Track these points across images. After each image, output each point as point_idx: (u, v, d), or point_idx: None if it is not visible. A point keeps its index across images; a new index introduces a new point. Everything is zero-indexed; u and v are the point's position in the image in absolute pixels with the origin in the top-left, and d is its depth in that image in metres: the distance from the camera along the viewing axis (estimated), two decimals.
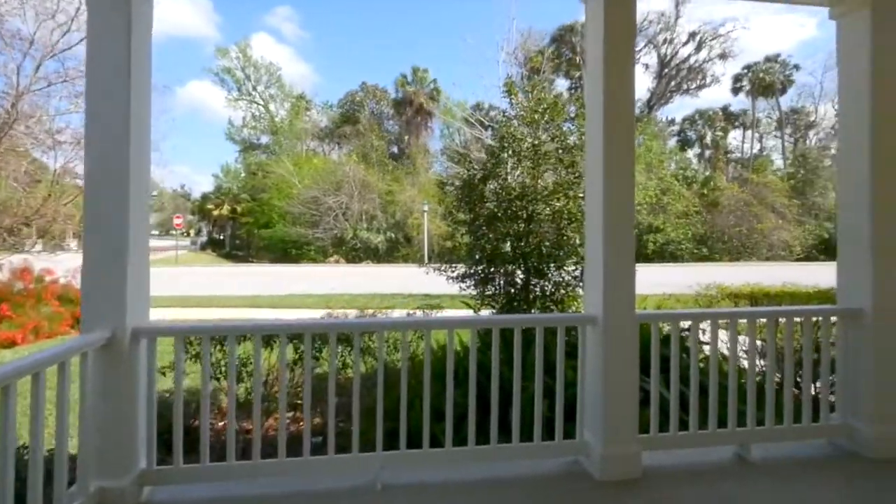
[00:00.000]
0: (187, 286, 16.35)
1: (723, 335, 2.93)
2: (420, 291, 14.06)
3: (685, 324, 3.38)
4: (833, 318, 2.99)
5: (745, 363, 2.93)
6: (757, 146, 43.66)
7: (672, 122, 43.93)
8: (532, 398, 2.62)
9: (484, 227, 5.29)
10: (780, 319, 3.05)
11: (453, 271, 5.50)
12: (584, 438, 2.60)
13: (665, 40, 40.08)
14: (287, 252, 32.10)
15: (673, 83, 41.33)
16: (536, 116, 5.55)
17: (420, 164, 36.79)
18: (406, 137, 41.19)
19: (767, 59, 42.10)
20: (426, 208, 28.38)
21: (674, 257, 28.40)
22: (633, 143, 2.60)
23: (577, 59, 34.86)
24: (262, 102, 40.79)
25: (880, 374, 2.79)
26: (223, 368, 3.65)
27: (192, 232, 57.61)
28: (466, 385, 2.53)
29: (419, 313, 5.37)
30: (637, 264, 2.62)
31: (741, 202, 30.18)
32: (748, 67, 42.00)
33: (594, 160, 2.62)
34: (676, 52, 40.40)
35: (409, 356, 2.49)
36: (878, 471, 2.66)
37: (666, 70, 40.82)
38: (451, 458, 2.48)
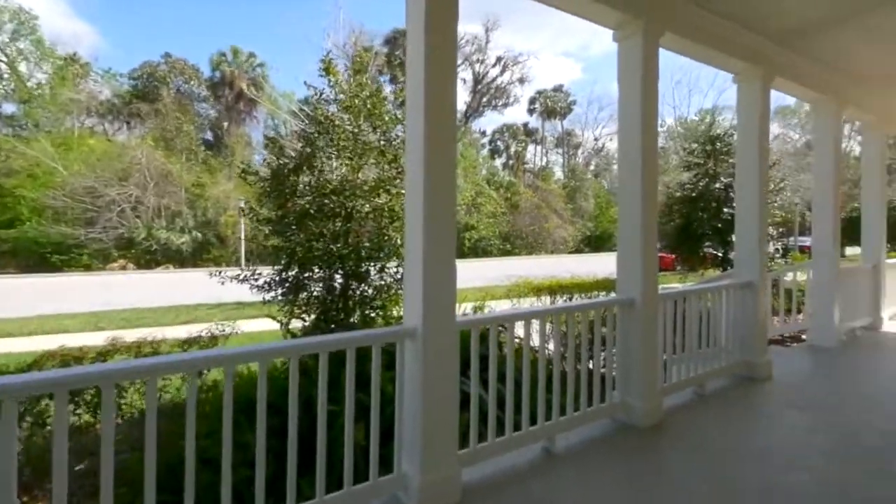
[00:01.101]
0: None
1: (528, 327, 3.11)
2: (231, 299, 12.25)
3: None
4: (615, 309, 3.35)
5: (548, 354, 3.07)
6: (545, 159, 52.43)
7: (484, 133, 49.82)
8: (343, 427, 2.19)
9: (294, 226, 4.62)
10: (577, 314, 3.32)
11: (257, 279, 4.65)
12: (402, 470, 2.30)
13: (478, 60, 44.62)
14: (46, 258, 24.81)
15: (484, 99, 46.48)
16: (357, 101, 5.09)
17: (240, 155, 32.63)
18: (225, 125, 36.08)
19: (555, 89, 50.81)
20: (243, 204, 25.31)
21: (485, 252, 32.53)
22: (454, 133, 2.36)
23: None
24: (4, 59, 30.39)
25: (645, 354, 3.24)
26: None
27: None
28: (274, 424, 1.96)
29: (205, 333, 4.39)
30: (456, 261, 2.43)
31: (534, 205, 36.66)
32: (540, 93, 50.07)
33: (415, 152, 2.31)
34: (487, 72, 45.56)
35: (156, 406, 1.77)
36: (648, 438, 3.07)
37: (479, 86, 45.47)
38: None
